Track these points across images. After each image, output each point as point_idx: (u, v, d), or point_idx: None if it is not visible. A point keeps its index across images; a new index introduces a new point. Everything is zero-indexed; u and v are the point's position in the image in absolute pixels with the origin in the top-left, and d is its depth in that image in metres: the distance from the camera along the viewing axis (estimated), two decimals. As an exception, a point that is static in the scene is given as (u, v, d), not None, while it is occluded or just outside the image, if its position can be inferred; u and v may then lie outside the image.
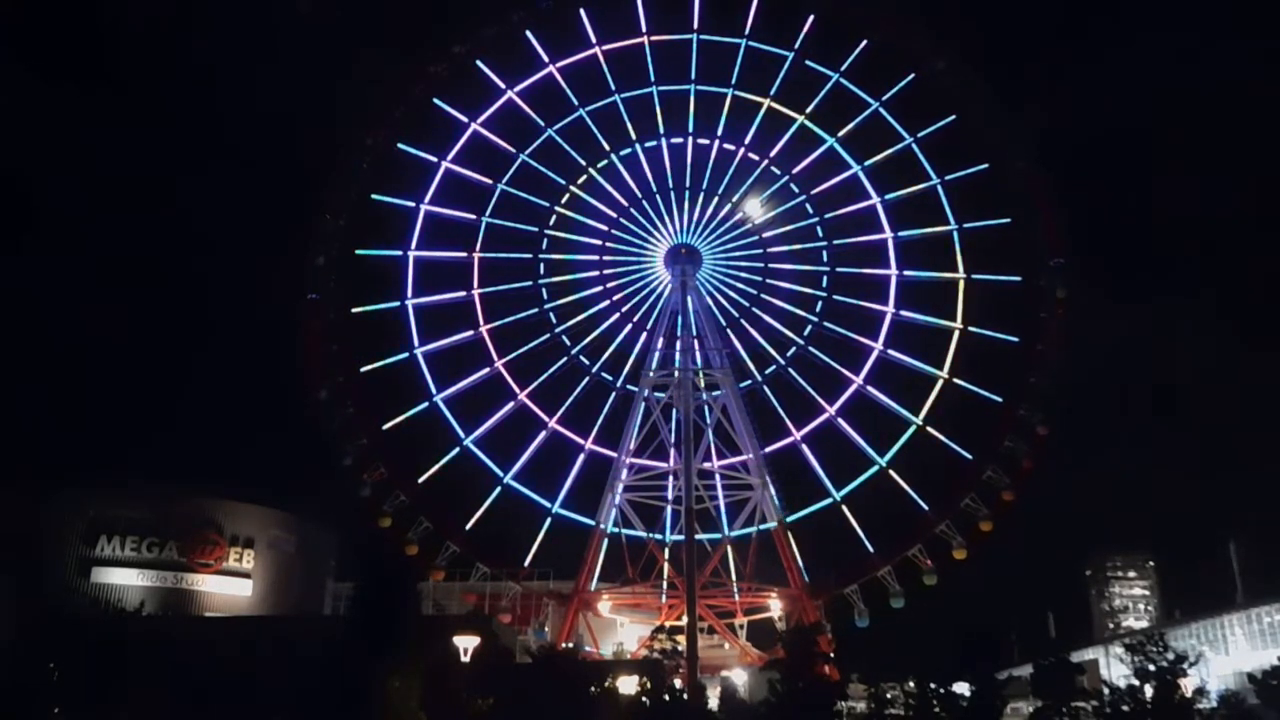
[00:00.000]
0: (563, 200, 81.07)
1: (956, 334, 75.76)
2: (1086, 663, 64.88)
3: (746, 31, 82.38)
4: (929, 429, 74.00)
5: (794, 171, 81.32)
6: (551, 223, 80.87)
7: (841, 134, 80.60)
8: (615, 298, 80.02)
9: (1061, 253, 75.28)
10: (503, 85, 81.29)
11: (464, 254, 79.00)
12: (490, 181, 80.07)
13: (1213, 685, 62.08)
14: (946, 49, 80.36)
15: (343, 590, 68.35)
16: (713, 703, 56.17)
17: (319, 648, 39.38)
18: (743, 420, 77.39)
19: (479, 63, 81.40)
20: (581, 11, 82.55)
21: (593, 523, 75.73)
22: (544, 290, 79.53)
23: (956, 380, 74.87)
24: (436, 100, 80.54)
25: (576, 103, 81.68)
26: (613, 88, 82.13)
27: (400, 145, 79.45)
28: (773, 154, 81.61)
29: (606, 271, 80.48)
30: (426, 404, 75.24)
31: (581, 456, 76.51)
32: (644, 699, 47.93)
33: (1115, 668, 61.59)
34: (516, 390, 76.67)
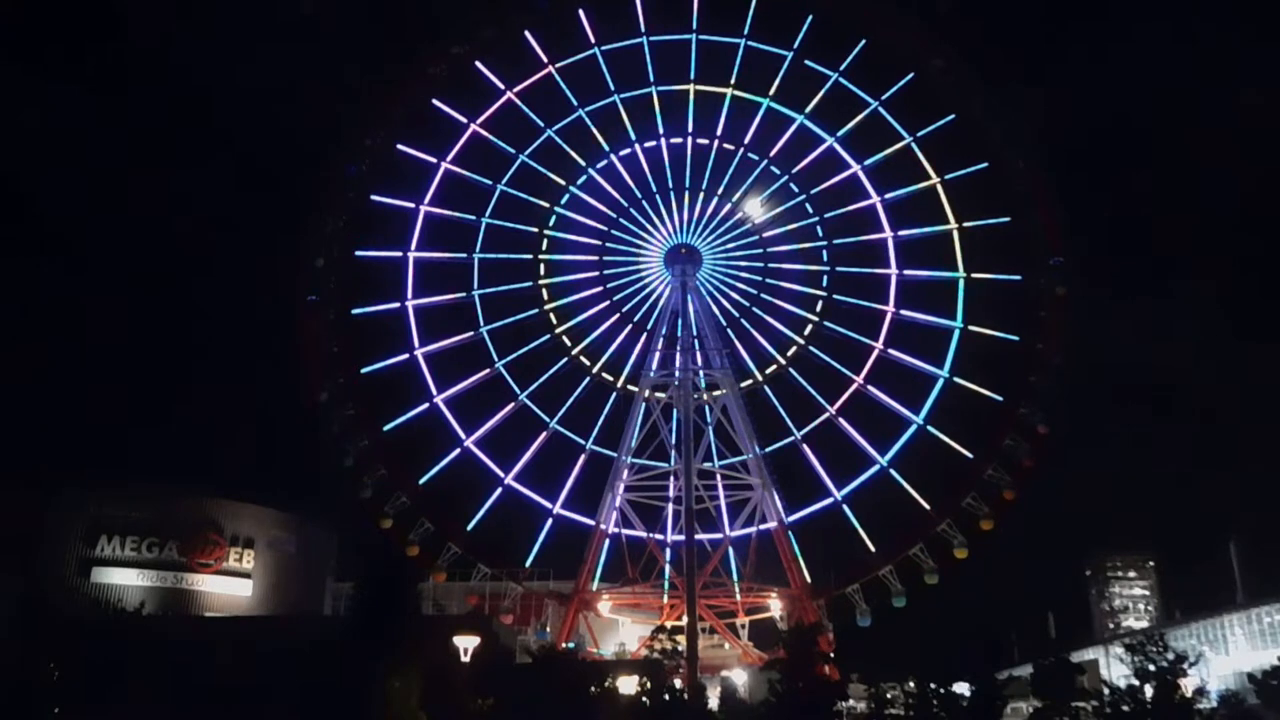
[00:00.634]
0: (562, 201, 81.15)
1: (957, 333, 75.86)
2: (1086, 663, 64.88)
3: (746, 31, 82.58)
4: (930, 428, 74.07)
5: (794, 171, 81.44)
6: (551, 223, 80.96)
7: (841, 133, 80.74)
8: (615, 298, 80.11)
9: (1061, 251, 75.39)
10: (502, 86, 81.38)
11: (464, 255, 79.08)
12: (490, 182, 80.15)
13: (1213, 685, 62.10)
14: (945, 48, 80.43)
15: (343, 590, 68.35)
16: (713, 703, 56.15)
17: (319, 648, 39.38)
18: (742, 420, 77.41)
19: (478, 63, 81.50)
20: (580, 12, 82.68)
21: (593, 523, 75.78)
22: (544, 291, 79.62)
23: (957, 379, 74.92)
24: (436, 101, 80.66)
25: (576, 103, 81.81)
26: (612, 88, 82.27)
27: (400, 146, 79.55)
28: (772, 154, 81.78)
29: (606, 272, 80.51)
30: (427, 405, 75.33)
31: (582, 457, 76.66)
32: (644, 699, 47.93)
33: (1115, 668, 61.58)
34: (517, 391, 76.81)
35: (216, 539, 68.14)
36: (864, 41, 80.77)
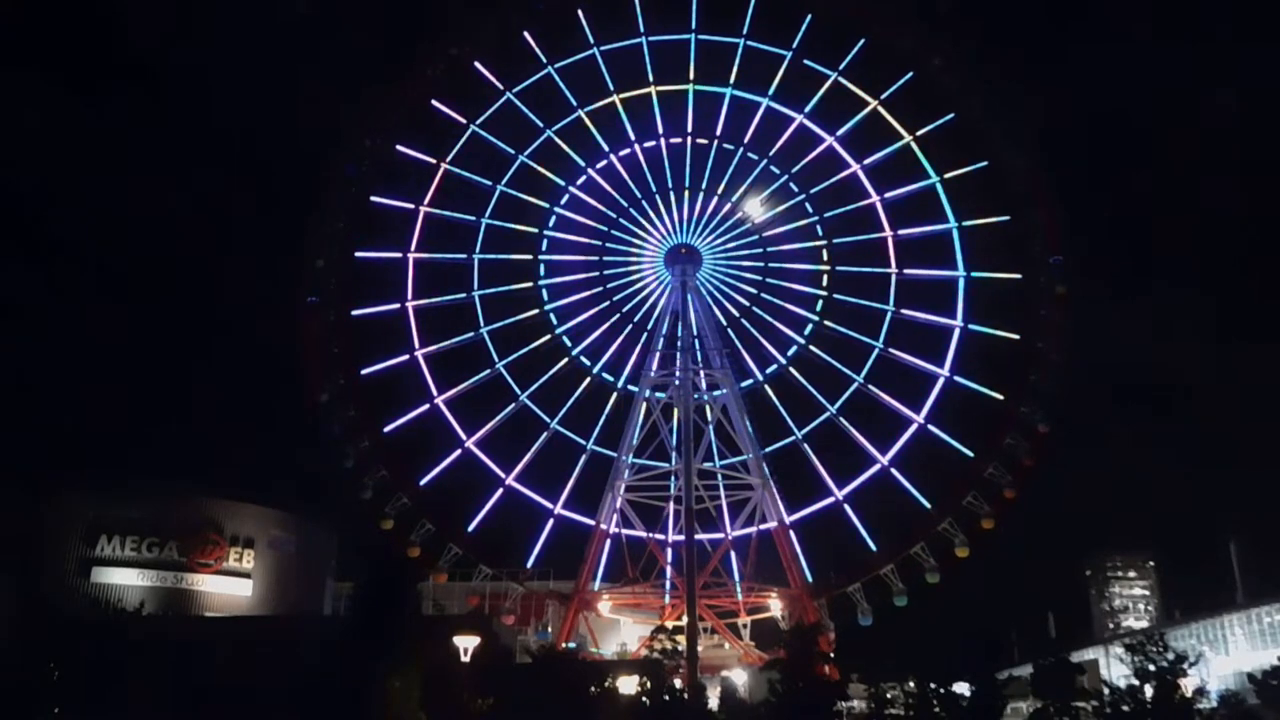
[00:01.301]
0: (562, 201, 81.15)
1: (957, 332, 75.85)
2: (1086, 663, 64.85)
3: (745, 31, 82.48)
4: (930, 427, 74.08)
5: (793, 170, 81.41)
6: (551, 224, 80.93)
7: (840, 132, 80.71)
8: (615, 298, 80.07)
9: (1061, 250, 75.39)
10: (501, 87, 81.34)
11: (464, 256, 79.06)
12: (489, 183, 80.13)
13: (1213, 685, 62.11)
14: (944, 47, 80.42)
15: (343, 590, 68.42)
16: (713, 703, 56.15)
17: (319, 648, 39.43)
18: (742, 420, 77.43)
19: (477, 64, 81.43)
20: (579, 12, 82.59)
21: (594, 523, 75.75)
22: (544, 291, 79.63)
23: (957, 378, 74.95)
24: (435, 102, 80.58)
25: (575, 103, 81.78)
26: (611, 88, 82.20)
27: (399, 147, 79.47)
28: (772, 153, 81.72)
29: (606, 272, 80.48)
30: (428, 406, 75.29)
31: (583, 457, 76.66)
32: (644, 699, 47.92)
33: (1115, 668, 61.58)
34: (518, 391, 76.80)
35: (216, 539, 68.11)
36: (863, 41, 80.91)
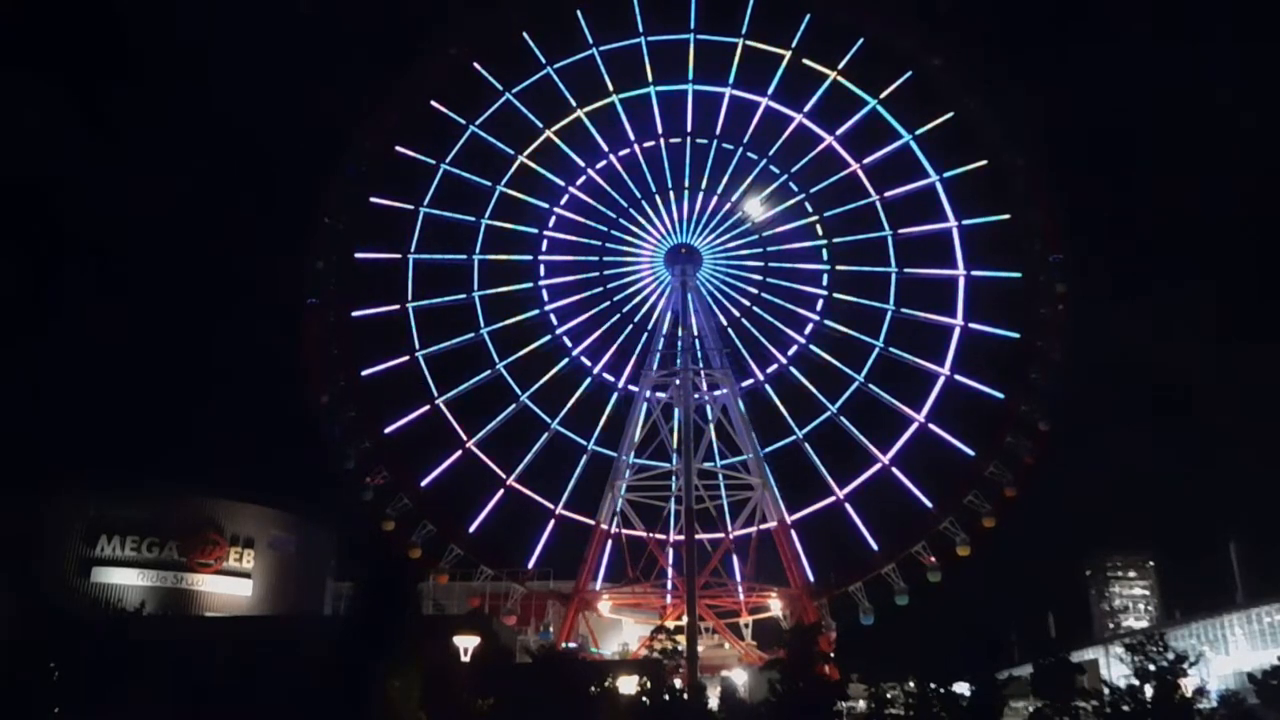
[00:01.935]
0: (562, 202, 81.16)
1: (957, 331, 75.90)
2: (1086, 663, 64.90)
3: (743, 30, 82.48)
4: (931, 426, 74.09)
5: (793, 170, 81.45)
6: (551, 224, 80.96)
7: (840, 132, 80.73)
8: (616, 298, 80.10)
9: (1061, 248, 75.44)
10: (500, 87, 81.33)
11: (464, 257, 79.07)
12: (489, 184, 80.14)
13: (1213, 685, 62.15)
14: (943, 46, 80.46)
15: (343, 590, 68.44)
16: (713, 703, 56.14)
17: (319, 648, 39.37)
18: (742, 420, 77.45)
19: (476, 65, 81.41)
20: (578, 12, 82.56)
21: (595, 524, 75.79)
22: (544, 292, 79.65)
23: (958, 377, 75.00)
24: (434, 103, 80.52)
25: (574, 104, 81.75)
26: (610, 88, 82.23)
27: (398, 148, 79.45)
28: (771, 153, 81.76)
29: (606, 272, 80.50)
30: (428, 407, 75.29)
31: (584, 458, 76.70)
32: (644, 699, 47.90)
33: (1115, 668, 61.63)
34: (518, 392, 76.83)
35: (216, 539, 68.10)
36: (862, 40, 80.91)
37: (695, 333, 79.55)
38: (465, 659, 37.35)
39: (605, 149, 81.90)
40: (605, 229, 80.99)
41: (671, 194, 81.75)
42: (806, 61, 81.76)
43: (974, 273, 77.07)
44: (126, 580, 64.67)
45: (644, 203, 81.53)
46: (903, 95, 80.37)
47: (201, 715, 38.45)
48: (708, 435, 77.15)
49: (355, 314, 76.14)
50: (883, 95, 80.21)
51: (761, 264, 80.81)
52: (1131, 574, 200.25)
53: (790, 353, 78.05)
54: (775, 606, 74.94)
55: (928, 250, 79.00)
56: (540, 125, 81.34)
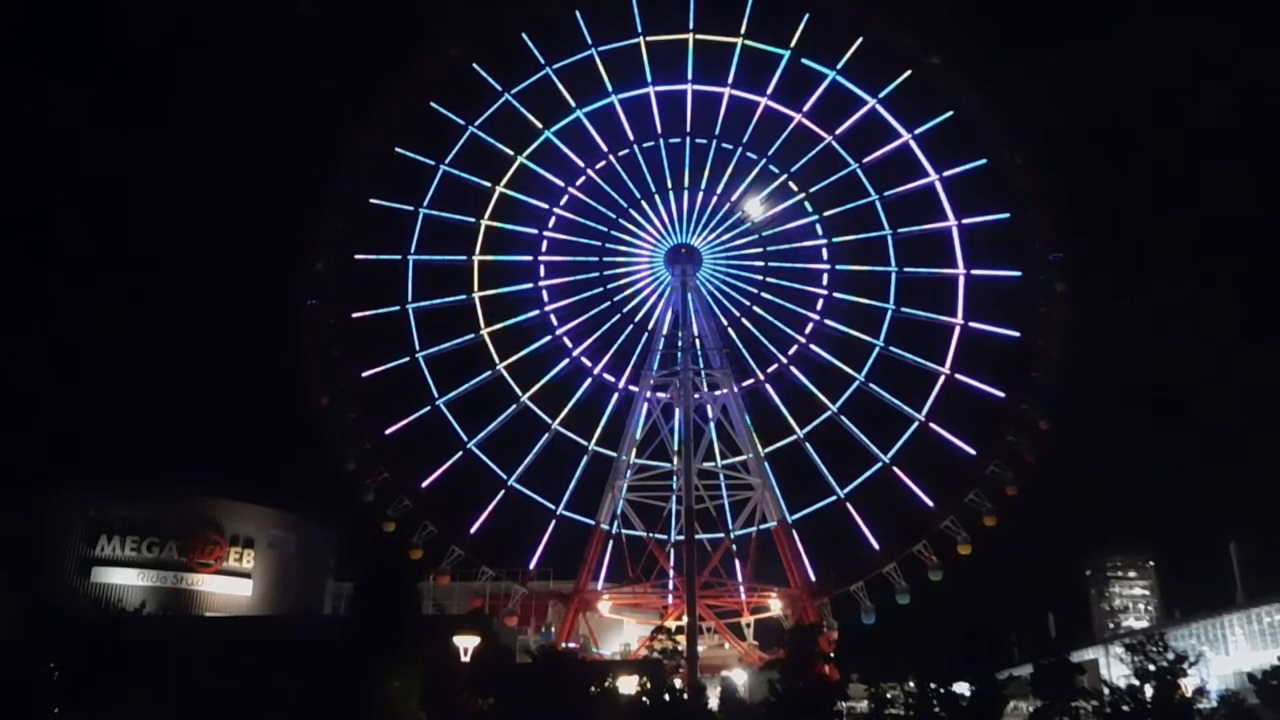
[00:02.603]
0: (561, 202, 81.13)
1: (957, 330, 75.91)
2: (1086, 663, 64.89)
3: (742, 30, 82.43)
4: (932, 425, 74.10)
5: (792, 170, 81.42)
6: (551, 225, 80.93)
7: (839, 131, 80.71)
8: (616, 299, 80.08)
9: (1061, 247, 75.52)
10: (499, 88, 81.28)
11: (463, 257, 79.02)
12: (488, 184, 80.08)
13: (1213, 685, 62.03)
14: (942, 45, 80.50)
15: (343, 590, 68.41)
16: (713, 703, 56.13)
17: (319, 648, 39.36)
18: (742, 420, 77.46)
19: (475, 65, 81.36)
20: (577, 12, 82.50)
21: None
22: (544, 292, 79.61)
23: (958, 376, 75.01)
24: (433, 103, 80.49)
25: (573, 104, 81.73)
26: (609, 88, 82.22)
27: (398, 149, 79.39)
28: (771, 152, 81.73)
29: (606, 273, 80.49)
30: (429, 408, 75.29)
31: (585, 458, 76.68)
32: (644, 699, 47.89)
33: (1115, 668, 61.64)
34: (519, 393, 76.79)
35: (216, 539, 68.07)
36: (861, 39, 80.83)
37: (695, 333, 79.56)
38: (465, 659, 37.36)
39: (604, 149, 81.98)
40: (605, 229, 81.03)
41: (671, 194, 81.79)
42: (806, 61, 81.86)
43: (974, 272, 77.19)
44: (126, 580, 64.63)
45: (643, 203, 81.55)
46: (902, 94, 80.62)
47: (201, 715, 38.47)
48: (708, 435, 77.17)
49: (355, 315, 76.16)
50: (882, 94, 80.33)
51: (761, 264, 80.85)
52: (1131, 574, 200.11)
53: (790, 352, 78.15)
54: (775, 607, 74.93)
55: (928, 249, 79.25)
56: (540, 126, 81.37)
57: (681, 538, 70.83)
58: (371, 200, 78.31)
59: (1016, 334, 75.51)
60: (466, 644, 37.30)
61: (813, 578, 75.17)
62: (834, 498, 74.57)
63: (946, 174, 78.75)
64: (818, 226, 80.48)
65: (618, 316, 79.60)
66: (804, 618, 67.54)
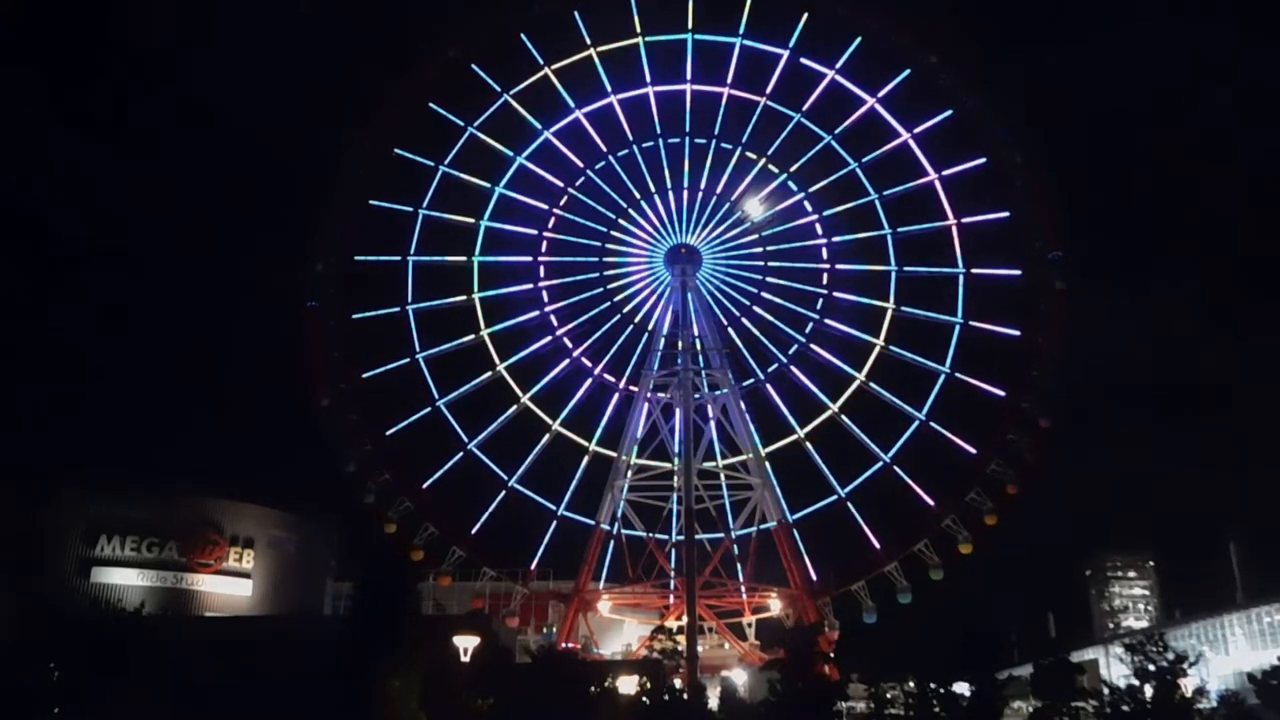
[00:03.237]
0: (561, 202, 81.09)
1: (957, 329, 75.92)
2: (1086, 663, 64.85)
3: (741, 30, 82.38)
4: (932, 424, 74.12)
5: (792, 169, 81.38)
6: (550, 225, 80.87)
7: (838, 131, 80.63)
8: (616, 299, 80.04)
9: (1060, 246, 75.46)
10: (498, 88, 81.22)
11: (463, 258, 79.00)
12: (488, 185, 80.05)
13: (1213, 685, 62.09)
14: (941, 43, 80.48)
15: (343, 590, 68.38)
16: (713, 703, 56.15)
17: (319, 648, 39.41)
18: (741, 420, 77.46)
19: (474, 66, 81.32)
20: (576, 13, 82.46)
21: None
22: (544, 293, 79.57)
23: (958, 375, 75.02)
24: (432, 104, 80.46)
25: (572, 104, 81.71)
26: (608, 89, 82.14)
27: (397, 150, 79.33)
28: (770, 152, 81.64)
29: (606, 273, 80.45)
30: (429, 409, 75.22)
31: (586, 458, 76.63)
32: (644, 699, 47.92)
33: (1115, 668, 61.60)
34: (519, 393, 76.72)
35: (216, 539, 68.12)
36: (860, 39, 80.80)
37: (695, 332, 79.55)
38: (465, 659, 37.36)
39: (604, 149, 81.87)
40: (605, 229, 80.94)
41: (670, 194, 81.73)
42: (804, 61, 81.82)
43: (974, 271, 77.14)
44: (126, 580, 64.68)
45: (643, 203, 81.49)
46: (901, 94, 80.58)
47: (201, 715, 38.49)
48: (708, 435, 77.16)
49: (355, 316, 76.13)
50: (881, 94, 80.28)
51: (761, 263, 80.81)
52: (1131, 574, 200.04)
53: (790, 352, 78.12)
54: (776, 607, 74.94)
55: (927, 248, 79.23)
56: (539, 126, 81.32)
57: (681, 538, 70.83)
58: (371, 201, 78.26)
59: (1016, 333, 75.53)
60: (466, 644, 37.31)
61: (814, 577, 75.18)
62: (835, 497, 74.64)
63: (946, 173, 78.76)
64: (817, 226, 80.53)
65: (618, 317, 79.64)
66: (804, 618, 67.54)
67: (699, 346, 79.40)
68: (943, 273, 77.94)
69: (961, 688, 44.11)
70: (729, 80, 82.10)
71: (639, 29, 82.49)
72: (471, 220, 79.53)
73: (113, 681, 38.44)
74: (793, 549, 75.19)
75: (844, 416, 75.63)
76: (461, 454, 74.79)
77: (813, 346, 77.69)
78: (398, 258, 78.12)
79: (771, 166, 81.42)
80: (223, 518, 69.35)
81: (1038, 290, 75.11)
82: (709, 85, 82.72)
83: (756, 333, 79.30)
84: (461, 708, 40.10)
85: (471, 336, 77.49)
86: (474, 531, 73.73)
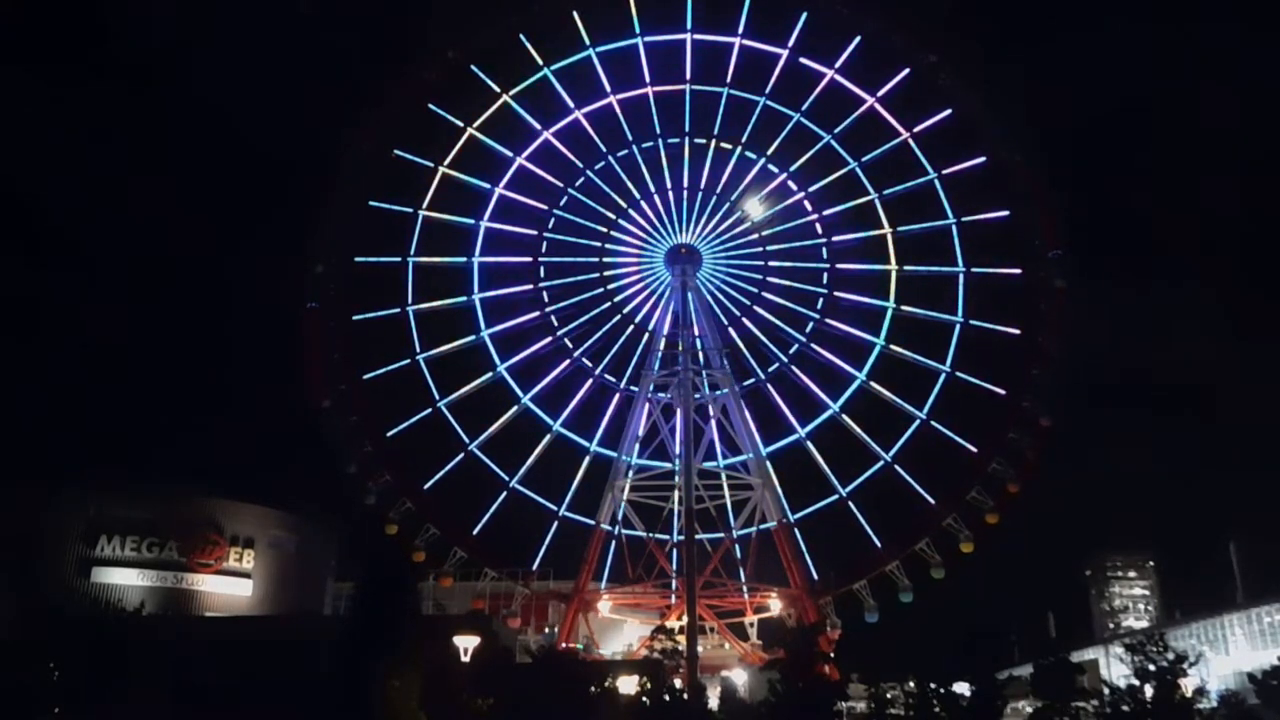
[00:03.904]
0: (561, 203, 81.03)
1: (957, 328, 75.86)
2: (1086, 663, 64.87)
3: (740, 30, 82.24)
4: (933, 423, 74.09)
5: (791, 169, 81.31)
6: (550, 226, 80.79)
7: (837, 130, 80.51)
8: (616, 299, 79.98)
9: (1060, 245, 75.43)
10: (497, 89, 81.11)
11: (463, 259, 78.98)
12: (488, 186, 79.99)
13: (1213, 685, 62.09)
14: (941, 43, 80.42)
15: (343, 590, 68.46)
16: (713, 703, 56.15)
17: (319, 648, 39.45)
18: (741, 420, 77.45)
19: (473, 67, 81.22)
20: (575, 13, 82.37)
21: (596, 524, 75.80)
22: (544, 294, 79.50)
23: (959, 374, 74.95)
24: (432, 105, 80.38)
25: (572, 105, 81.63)
26: (608, 89, 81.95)
27: (397, 151, 79.21)
28: (770, 152, 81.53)
29: (607, 274, 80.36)
30: (430, 410, 75.14)
31: (587, 459, 76.58)
32: (644, 699, 47.92)
33: (1115, 668, 61.61)
34: (519, 394, 76.65)
35: (216, 539, 68.17)
36: (859, 38, 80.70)
37: (695, 332, 79.50)
38: (465, 659, 37.36)
39: (604, 150, 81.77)
40: (605, 230, 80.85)
41: (670, 194, 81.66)
42: (803, 60, 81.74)
43: (974, 269, 77.06)
44: (126, 580, 64.75)
45: (643, 203, 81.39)
46: (900, 93, 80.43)
47: (201, 715, 38.51)
48: (708, 435, 77.12)
49: (356, 318, 76.03)
50: (880, 93, 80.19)
51: (761, 263, 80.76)
52: (1131, 574, 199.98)
53: (791, 351, 78.07)
54: (776, 607, 74.92)
55: (927, 247, 79.06)
56: (538, 127, 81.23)
57: (682, 538, 70.79)
58: (371, 202, 78.17)
59: (1016, 331, 75.46)
60: (466, 644, 37.31)
61: (815, 577, 75.18)
62: (836, 496, 74.56)
63: (945, 172, 78.70)
64: (817, 225, 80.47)
65: (618, 317, 79.50)
66: (805, 617, 67.52)
67: (699, 346, 79.37)
68: (943, 272, 77.91)
69: (961, 688, 44.09)
70: (728, 80, 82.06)
71: (638, 29, 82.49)
72: (471, 221, 79.51)
73: (113, 681, 38.47)
74: (793, 549, 75.18)
75: (844, 416, 75.66)
76: (463, 455, 74.77)
77: (813, 346, 77.69)
78: (398, 259, 78.05)
79: (771, 166, 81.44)
80: (223, 518, 69.39)
81: (1038, 289, 75.07)
82: (708, 85, 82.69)
83: (757, 332, 79.30)
84: (461, 708, 40.11)
85: (472, 337, 77.45)
86: (475, 532, 73.71)
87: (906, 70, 79.76)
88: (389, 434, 74.30)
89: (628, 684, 50.12)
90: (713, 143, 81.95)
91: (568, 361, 77.92)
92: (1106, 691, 46.20)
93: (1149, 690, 42.79)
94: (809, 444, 75.90)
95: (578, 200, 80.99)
